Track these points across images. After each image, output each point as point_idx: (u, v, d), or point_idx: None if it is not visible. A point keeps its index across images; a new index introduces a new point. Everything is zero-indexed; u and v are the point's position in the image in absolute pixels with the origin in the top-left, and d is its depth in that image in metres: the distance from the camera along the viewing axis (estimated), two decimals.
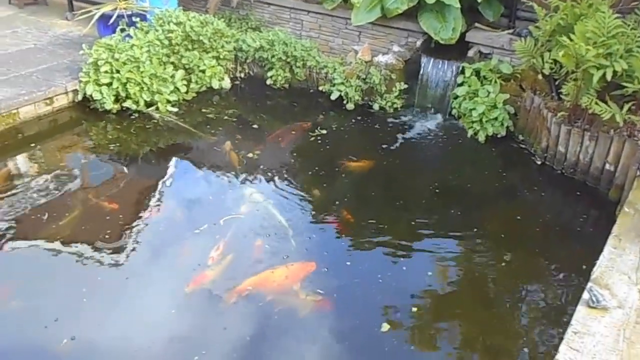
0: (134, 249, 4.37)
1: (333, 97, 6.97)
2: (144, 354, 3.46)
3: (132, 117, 6.39)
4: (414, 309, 3.87)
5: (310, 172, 5.58)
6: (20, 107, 5.98)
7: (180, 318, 3.75)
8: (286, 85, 7.42)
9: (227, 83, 7.35)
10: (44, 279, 4.04)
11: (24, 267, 4.15)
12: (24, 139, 5.86)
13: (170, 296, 3.91)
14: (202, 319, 3.77)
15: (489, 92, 6.28)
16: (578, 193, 5.39)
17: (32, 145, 5.77)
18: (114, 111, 6.38)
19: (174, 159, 5.77)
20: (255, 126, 6.55)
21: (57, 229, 4.50)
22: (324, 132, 6.33)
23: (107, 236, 4.46)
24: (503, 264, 4.39)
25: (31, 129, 6.05)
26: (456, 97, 6.54)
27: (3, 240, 4.32)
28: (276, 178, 5.44)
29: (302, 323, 3.76)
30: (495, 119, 6.18)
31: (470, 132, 6.32)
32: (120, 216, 4.73)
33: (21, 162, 5.49)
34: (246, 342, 3.54)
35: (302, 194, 5.21)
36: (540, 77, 6.02)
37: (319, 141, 6.17)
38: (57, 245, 4.32)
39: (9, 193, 4.90)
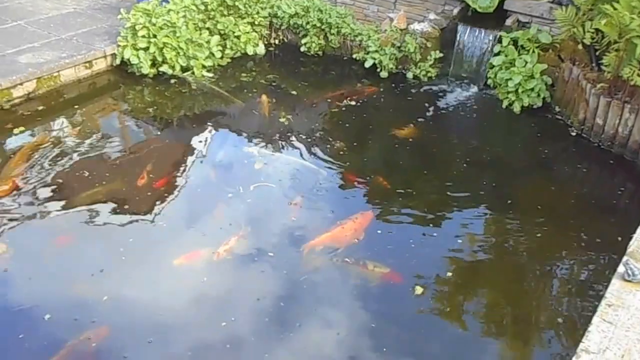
0: (167, 212, 4.47)
1: (367, 65, 6.94)
2: (183, 314, 3.59)
3: (168, 81, 6.49)
4: (449, 274, 3.92)
5: (342, 139, 5.60)
6: (62, 70, 6.13)
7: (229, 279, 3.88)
8: (320, 53, 7.40)
9: (261, 49, 7.37)
10: (88, 235, 4.20)
11: (71, 222, 4.30)
12: (65, 101, 6.02)
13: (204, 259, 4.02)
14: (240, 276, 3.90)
15: (527, 62, 6.17)
16: (615, 166, 5.32)
17: (76, 107, 5.95)
18: (151, 75, 6.49)
19: (208, 123, 5.85)
20: (289, 92, 6.59)
21: (97, 188, 4.64)
22: (352, 103, 6.32)
23: (142, 198, 4.58)
24: (535, 235, 4.38)
25: (72, 91, 6.20)
26: (492, 66, 6.44)
27: (54, 197, 4.50)
28: (309, 144, 5.49)
29: (339, 286, 3.84)
30: (532, 89, 6.09)
31: (505, 103, 6.24)
32: (154, 178, 4.83)
33: (64, 123, 5.66)
34: (279, 306, 3.66)
35: (333, 160, 5.25)
36: (580, 47, 5.89)
37: (352, 109, 6.18)
38: (98, 204, 4.47)
39: (52, 153, 5.07)
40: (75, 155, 5.07)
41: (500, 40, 6.40)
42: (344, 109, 6.20)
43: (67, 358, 3.19)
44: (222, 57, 6.98)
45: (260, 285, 3.79)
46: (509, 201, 4.77)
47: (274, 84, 6.75)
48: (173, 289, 3.75)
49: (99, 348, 3.27)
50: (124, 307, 3.57)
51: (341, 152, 5.38)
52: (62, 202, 4.45)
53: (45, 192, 4.54)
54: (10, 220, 4.22)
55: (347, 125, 5.91)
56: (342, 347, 3.37)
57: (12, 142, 5.24)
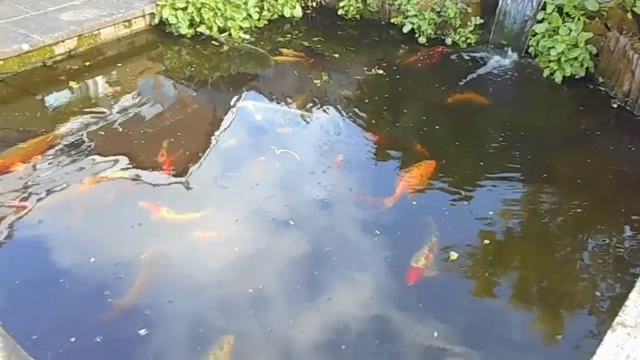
0: (200, 171, 4.53)
1: (405, 29, 6.83)
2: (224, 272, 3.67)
3: (206, 42, 6.51)
4: (482, 243, 3.91)
5: (375, 105, 5.57)
6: (101, 28, 6.21)
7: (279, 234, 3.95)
8: (357, 16, 7.31)
9: (298, 12, 7.30)
10: (124, 192, 4.30)
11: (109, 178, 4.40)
12: (104, 60, 6.12)
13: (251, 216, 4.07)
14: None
15: (571, 30, 5.98)
16: None
17: (119, 65, 6.05)
18: (189, 36, 6.53)
19: (243, 84, 5.88)
20: (325, 56, 6.53)
21: (131, 147, 4.72)
22: (380, 72, 6.21)
23: (176, 157, 4.65)
24: (571, 210, 4.30)
25: (111, 49, 6.29)
26: (534, 34, 6.26)
27: (91, 154, 4.63)
28: (343, 108, 5.47)
29: (380, 249, 3.87)
30: (575, 59, 5.91)
31: (546, 72, 6.09)
32: (189, 136, 4.90)
33: (102, 81, 5.76)
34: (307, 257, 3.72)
35: (366, 125, 5.23)
36: (629, 15, 5.68)
37: (385, 75, 6.11)
38: (133, 160, 4.58)
39: (91, 111, 5.18)
40: (113, 114, 5.16)
41: (544, 7, 6.20)
42: (376, 75, 6.12)
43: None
44: (259, 19, 6.95)
45: (294, 251, 3.81)
46: (545, 175, 4.68)
47: (308, 47, 6.70)
48: (200, 251, 3.80)
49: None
50: (155, 265, 3.66)
51: (374, 118, 5.36)
52: (99, 159, 4.56)
53: (83, 148, 4.66)
54: (51, 177, 4.34)
55: (380, 91, 5.86)
56: (376, 303, 3.42)
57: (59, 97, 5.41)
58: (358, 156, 4.79)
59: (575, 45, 5.91)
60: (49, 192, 4.16)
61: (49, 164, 4.44)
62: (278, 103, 5.60)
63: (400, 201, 4.24)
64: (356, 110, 5.44)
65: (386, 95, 5.77)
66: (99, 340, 3.09)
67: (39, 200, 4.07)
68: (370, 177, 4.56)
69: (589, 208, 4.31)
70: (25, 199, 4.07)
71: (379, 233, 3.92)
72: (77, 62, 5.94)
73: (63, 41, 5.89)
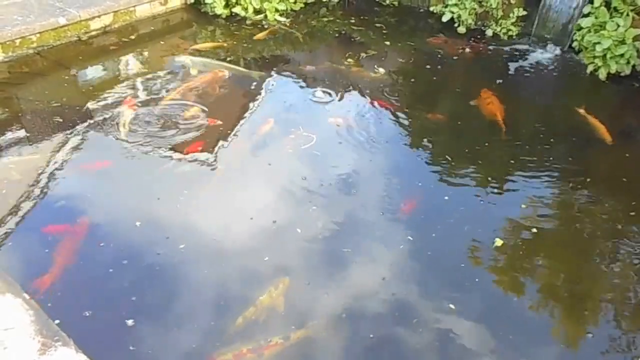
0: (227, 151, 4.47)
1: (444, 18, 6.65)
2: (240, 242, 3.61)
3: (241, 23, 6.44)
4: (535, 230, 3.81)
5: (408, 95, 5.44)
6: (137, 5, 6.20)
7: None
8: (395, 3, 7.16)
9: None
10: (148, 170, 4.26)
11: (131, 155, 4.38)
12: (138, 37, 6.11)
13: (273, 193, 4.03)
14: None
15: (619, 26, 5.73)
16: None
17: (151, 42, 6.05)
18: (224, 16, 6.47)
19: (275, 67, 5.80)
20: (357, 41, 6.41)
21: (162, 125, 4.67)
22: (420, 59, 6.07)
23: (206, 138, 4.58)
24: (606, 209, 4.12)
25: (146, 27, 6.28)
26: (580, 28, 6.03)
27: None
28: (373, 96, 5.34)
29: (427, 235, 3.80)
30: (622, 55, 5.67)
31: (590, 68, 5.86)
32: (215, 118, 4.83)
33: (134, 58, 5.75)
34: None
35: (397, 113, 5.09)
36: None
37: (421, 64, 5.97)
38: (162, 139, 4.52)
39: (122, 86, 5.17)
40: (143, 91, 5.14)
41: (591, 1, 5.96)
42: (409, 64, 5.99)
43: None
44: (295, 2, 6.86)
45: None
46: (584, 174, 4.47)
47: (342, 33, 6.59)
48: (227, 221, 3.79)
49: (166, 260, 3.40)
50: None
51: (407, 108, 5.22)
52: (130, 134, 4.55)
53: (112, 122, 4.65)
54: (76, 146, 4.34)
55: (415, 81, 5.73)
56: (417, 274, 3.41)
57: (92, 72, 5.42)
58: (377, 146, 4.68)
59: (623, 42, 5.66)
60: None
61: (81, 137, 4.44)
62: (308, 83, 5.51)
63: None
64: (383, 99, 5.31)
65: (419, 86, 5.63)
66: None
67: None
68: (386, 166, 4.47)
69: (624, 209, 4.12)
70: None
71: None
72: (112, 38, 5.95)
73: (99, 16, 5.89)
